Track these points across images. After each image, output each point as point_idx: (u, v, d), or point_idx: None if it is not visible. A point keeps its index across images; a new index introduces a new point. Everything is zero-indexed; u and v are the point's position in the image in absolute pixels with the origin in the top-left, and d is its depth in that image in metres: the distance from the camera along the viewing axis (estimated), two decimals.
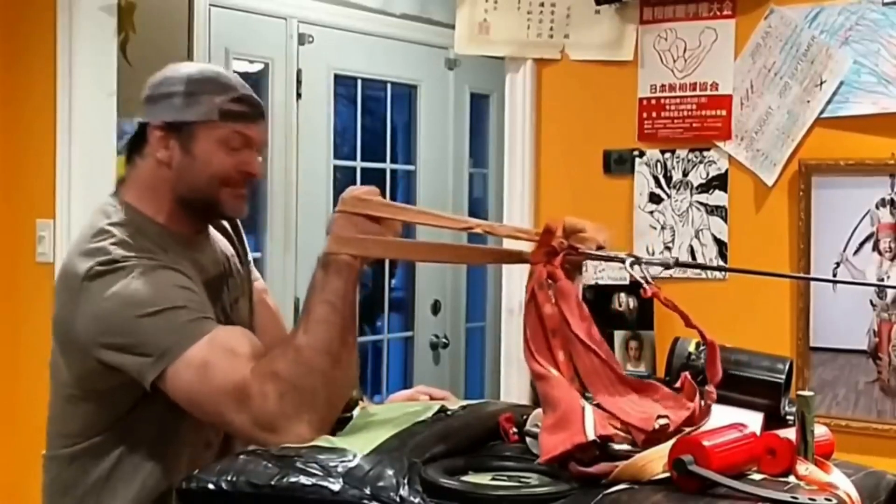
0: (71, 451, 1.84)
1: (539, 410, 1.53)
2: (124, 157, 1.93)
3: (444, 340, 4.77)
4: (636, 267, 1.54)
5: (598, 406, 1.48)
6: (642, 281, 1.50)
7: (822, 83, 2.48)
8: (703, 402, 1.46)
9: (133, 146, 1.89)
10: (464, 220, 1.66)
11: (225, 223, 2.03)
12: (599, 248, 1.61)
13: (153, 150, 1.84)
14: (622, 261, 1.56)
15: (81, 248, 1.79)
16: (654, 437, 1.43)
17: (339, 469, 1.43)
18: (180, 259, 1.82)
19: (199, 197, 1.85)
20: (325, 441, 1.55)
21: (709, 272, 2.59)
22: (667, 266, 1.61)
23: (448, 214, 1.73)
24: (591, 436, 1.40)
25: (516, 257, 1.67)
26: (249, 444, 1.62)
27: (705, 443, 1.33)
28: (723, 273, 2.61)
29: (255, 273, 2.11)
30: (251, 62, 4.11)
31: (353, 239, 1.62)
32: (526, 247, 1.64)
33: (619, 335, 2.70)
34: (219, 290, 1.90)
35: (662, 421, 1.43)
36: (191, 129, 1.82)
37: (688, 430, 1.43)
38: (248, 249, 2.08)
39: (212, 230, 1.97)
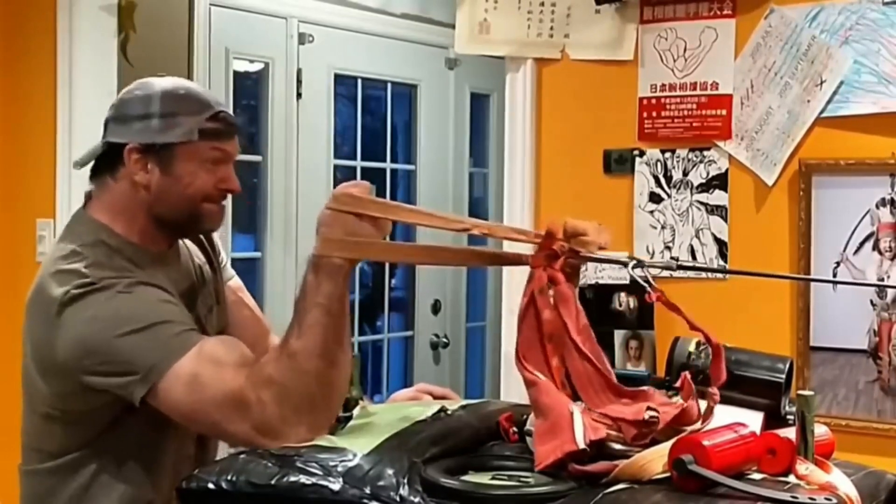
0: (48, 466, 1.82)
1: None
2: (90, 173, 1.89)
3: (444, 340, 4.77)
4: (638, 270, 1.53)
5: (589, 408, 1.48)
6: (646, 285, 1.50)
7: (822, 83, 2.47)
8: (706, 404, 1.45)
9: (101, 164, 1.86)
10: (460, 221, 1.63)
11: None
12: (601, 248, 1.60)
13: (130, 172, 1.81)
14: (625, 264, 1.55)
15: (54, 269, 1.77)
16: (645, 433, 1.43)
17: (339, 468, 1.43)
18: (155, 274, 1.80)
19: (180, 215, 1.83)
20: (325, 441, 1.55)
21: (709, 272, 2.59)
22: (670, 268, 1.61)
23: (444, 214, 1.69)
24: (582, 444, 1.40)
25: (515, 260, 1.66)
26: (229, 450, 1.62)
27: (705, 442, 1.33)
28: (723, 273, 2.61)
29: (229, 272, 2.08)
30: (251, 62, 4.12)
31: (344, 241, 1.60)
32: (525, 248, 1.63)
33: (619, 335, 2.70)
34: (193, 302, 1.89)
35: (651, 413, 1.43)
36: (170, 150, 1.80)
37: (688, 429, 1.43)
38: (219, 251, 2.05)
39: (182, 240, 1.95)
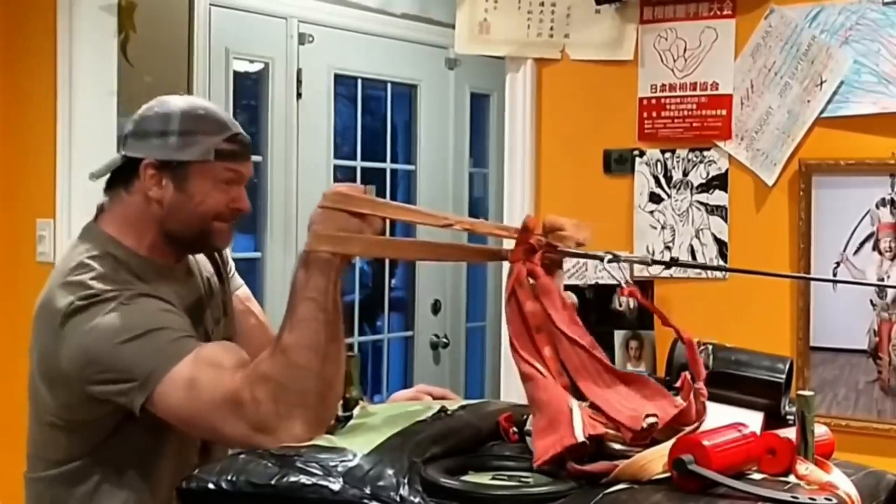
0: (52, 474, 1.84)
1: None
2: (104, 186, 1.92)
3: (444, 340, 4.77)
4: (614, 265, 1.55)
5: (588, 403, 1.48)
6: (619, 280, 1.51)
7: (822, 83, 2.48)
8: (697, 401, 1.46)
9: (117, 177, 1.89)
10: (444, 217, 1.66)
11: None
12: (579, 244, 1.62)
13: (144, 186, 1.84)
14: (600, 259, 1.57)
15: (61, 281, 1.79)
16: (643, 435, 1.43)
17: (340, 469, 1.43)
18: (161, 288, 1.82)
19: (190, 232, 1.87)
20: (325, 441, 1.55)
21: (709, 271, 2.59)
22: (644, 263, 1.62)
23: (430, 211, 1.72)
24: (581, 437, 1.40)
25: (497, 255, 1.67)
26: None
27: (705, 442, 1.33)
28: (723, 272, 2.62)
29: (237, 282, 2.11)
30: (251, 62, 4.11)
31: (333, 236, 1.62)
32: (510, 244, 1.64)
33: (619, 335, 2.70)
34: (200, 316, 1.91)
35: (651, 420, 1.43)
36: (186, 168, 1.83)
37: (687, 429, 1.43)
38: (228, 262, 2.08)
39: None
